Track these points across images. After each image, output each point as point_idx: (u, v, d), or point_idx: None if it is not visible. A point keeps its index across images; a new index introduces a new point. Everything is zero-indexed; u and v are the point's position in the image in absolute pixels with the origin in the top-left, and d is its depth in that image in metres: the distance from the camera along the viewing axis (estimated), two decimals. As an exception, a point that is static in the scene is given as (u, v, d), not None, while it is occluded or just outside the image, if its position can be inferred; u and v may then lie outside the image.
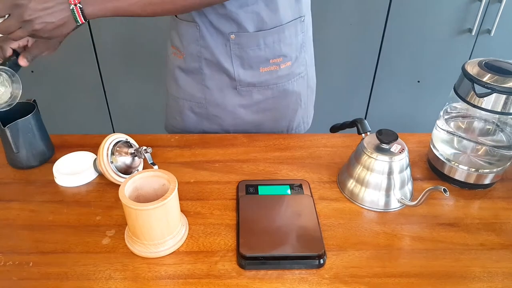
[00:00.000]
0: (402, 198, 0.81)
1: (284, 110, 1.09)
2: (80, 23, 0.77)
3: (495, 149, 0.86)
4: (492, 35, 1.78)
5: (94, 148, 0.91)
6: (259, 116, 1.07)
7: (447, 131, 0.89)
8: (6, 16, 0.72)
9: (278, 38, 0.98)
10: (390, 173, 0.81)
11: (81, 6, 0.75)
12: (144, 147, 0.85)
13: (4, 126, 0.86)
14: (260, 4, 0.92)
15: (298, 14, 1.00)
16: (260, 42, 0.97)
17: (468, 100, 0.81)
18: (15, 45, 0.88)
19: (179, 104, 1.09)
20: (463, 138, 0.87)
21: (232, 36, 0.95)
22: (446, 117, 0.90)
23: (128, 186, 0.71)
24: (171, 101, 1.12)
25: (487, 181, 0.87)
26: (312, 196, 0.84)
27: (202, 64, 1.00)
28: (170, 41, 1.06)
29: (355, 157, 0.85)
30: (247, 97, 1.04)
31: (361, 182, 0.83)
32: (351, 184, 0.85)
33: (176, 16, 1.00)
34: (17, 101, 0.84)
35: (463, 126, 0.90)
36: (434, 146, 0.91)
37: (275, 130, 1.11)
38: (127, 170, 0.86)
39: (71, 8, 0.74)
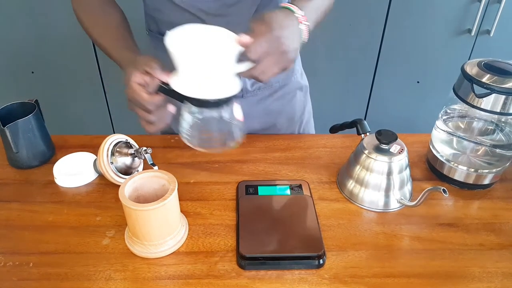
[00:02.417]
0: (401, 199, 0.82)
1: (293, 109, 1.09)
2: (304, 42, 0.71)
3: (495, 149, 0.86)
4: (491, 35, 1.78)
5: (94, 148, 0.91)
6: (270, 119, 1.07)
7: (447, 132, 0.89)
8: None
9: None
10: (389, 173, 0.81)
11: (308, 24, 0.69)
12: (144, 148, 0.85)
13: (4, 126, 0.86)
14: (265, 5, 0.90)
15: None
16: None
17: (467, 100, 0.81)
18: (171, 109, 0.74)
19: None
20: (463, 138, 0.87)
21: None
22: (445, 117, 0.90)
23: (128, 187, 0.72)
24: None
25: (486, 181, 0.87)
26: (311, 196, 0.84)
27: None
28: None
29: (355, 157, 0.85)
30: (253, 103, 1.03)
31: (360, 182, 0.83)
32: (350, 184, 0.85)
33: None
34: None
35: (462, 127, 0.90)
36: (433, 147, 0.91)
37: (289, 132, 1.10)
38: (127, 171, 0.86)
39: (300, 27, 0.69)
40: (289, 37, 0.66)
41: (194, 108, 0.66)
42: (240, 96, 1.01)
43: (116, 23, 0.87)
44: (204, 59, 0.62)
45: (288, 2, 0.74)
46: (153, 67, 0.67)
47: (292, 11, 0.69)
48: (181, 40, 0.64)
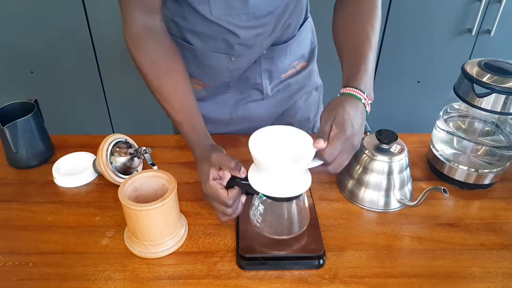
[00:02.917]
0: (401, 198, 0.81)
1: (308, 109, 1.08)
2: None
3: (495, 149, 0.86)
4: (492, 35, 1.78)
5: (93, 148, 0.91)
6: (287, 120, 1.06)
7: (447, 131, 0.89)
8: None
9: (298, 42, 0.98)
10: (389, 173, 0.81)
11: (370, 102, 0.75)
12: (144, 148, 0.85)
13: (4, 126, 0.86)
14: (293, 17, 0.91)
15: (307, 13, 1.00)
16: (287, 50, 0.96)
17: (467, 100, 0.81)
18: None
19: None
20: (463, 138, 0.87)
21: (265, 51, 0.92)
22: (445, 117, 0.90)
23: (127, 187, 0.71)
24: None
25: (486, 181, 0.87)
26: (311, 196, 0.84)
27: (229, 87, 0.98)
28: None
29: (355, 157, 0.85)
30: (272, 105, 1.03)
31: (360, 182, 0.83)
32: (350, 184, 0.85)
33: (188, 45, 0.91)
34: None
35: (463, 126, 0.90)
36: (434, 146, 0.91)
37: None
38: (126, 171, 0.86)
39: (366, 110, 0.74)
40: (360, 131, 0.71)
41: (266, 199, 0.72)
42: (260, 99, 1.02)
43: (186, 91, 0.83)
44: (283, 164, 0.67)
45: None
46: (228, 166, 0.70)
47: (359, 99, 0.72)
48: (262, 143, 0.69)
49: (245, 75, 0.96)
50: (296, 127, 0.84)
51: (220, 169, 0.71)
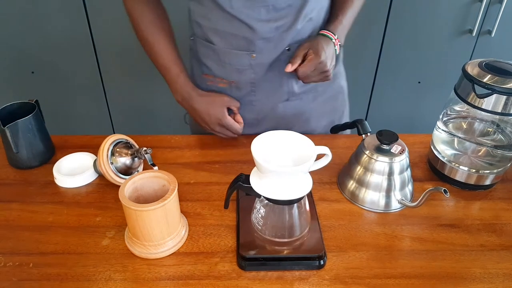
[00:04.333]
0: (402, 199, 0.81)
1: (333, 113, 1.08)
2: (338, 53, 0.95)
3: (496, 150, 0.85)
4: (492, 36, 1.78)
5: (94, 149, 0.91)
6: (312, 122, 1.06)
7: (448, 132, 0.89)
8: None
9: None
10: (390, 174, 0.80)
11: (340, 43, 0.95)
12: (144, 148, 0.85)
13: (4, 126, 0.86)
14: (314, 12, 0.92)
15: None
16: None
17: (468, 101, 0.81)
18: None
19: None
20: (464, 139, 0.87)
21: (288, 48, 0.93)
22: (446, 118, 0.90)
23: (128, 187, 0.71)
24: None
25: (487, 182, 0.87)
26: (312, 197, 0.84)
27: (255, 86, 0.99)
28: (199, 69, 1.02)
29: (356, 158, 0.85)
30: (298, 106, 1.03)
31: (361, 183, 0.83)
32: (351, 185, 0.85)
33: (211, 44, 0.96)
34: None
35: (463, 127, 0.90)
36: (434, 147, 0.91)
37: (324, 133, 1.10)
38: (127, 171, 0.86)
39: (335, 48, 0.93)
40: (330, 61, 0.90)
41: (268, 202, 0.73)
42: (285, 100, 1.02)
43: (175, 46, 0.97)
44: (284, 167, 0.69)
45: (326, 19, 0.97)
46: (237, 106, 0.98)
47: (330, 38, 0.92)
48: (264, 147, 0.70)
49: (270, 74, 0.97)
50: (321, 132, 0.97)
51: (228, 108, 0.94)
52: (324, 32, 0.93)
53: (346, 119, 1.15)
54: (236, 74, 0.97)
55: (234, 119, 0.98)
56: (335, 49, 0.93)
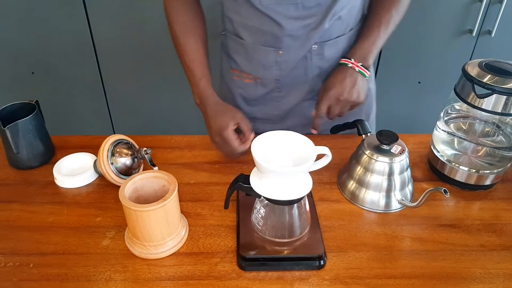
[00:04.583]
0: (402, 199, 0.81)
1: (359, 112, 1.07)
2: (368, 76, 0.94)
3: (496, 150, 0.85)
4: (492, 36, 1.77)
5: (94, 149, 0.91)
6: (336, 123, 1.05)
7: (448, 132, 0.89)
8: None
9: (350, 41, 0.97)
10: (390, 174, 0.80)
11: (361, 64, 0.93)
12: (144, 148, 0.85)
13: (5, 127, 0.86)
14: (344, 11, 0.91)
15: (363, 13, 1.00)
16: (338, 47, 0.96)
17: (468, 101, 0.81)
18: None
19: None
20: (464, 139, 0.87)
21: (315, 46, 0.94)
22: (446, 118, 0.90)
23: (128, 187, 0.71)
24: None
25: (487, 182, 0.87)
26: (312, 197, 0.84)
27: (280, 83, 0.99)
28: (228, 64, 1.04)
29: (356, 158, 0.85)
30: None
31: (361, 183, 0.83)
32: (351, 185, 0.85)
33: (240, 39, 0.98)
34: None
35: (463, 127, 0.90)
36: (434, 147, 0.91)
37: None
38: (127, 171, 0.86)
39: (357, 70, 0.93)
40: (349, 87, 0.90)
41: (268, 202, 0.73)
42: (310, 98, 1.02)
43: (205, 51, 0.97)
44: (284, 168, 0.69)
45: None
46: (247, 129, 0.90)
47: (345, 65, 0.93)
48: (264, 147, 0.70)
49: (296, 71, 0.97)
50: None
51: (236, 124, 0.89)
52: (341, 60, 0.94)
53: (372, 122, 1.15)
54: (262, 70, 0.98)
55: (241, 139, 0.91)
56: (360, 71, 0.92)
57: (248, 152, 0.68)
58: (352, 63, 0.92)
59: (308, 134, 0.98)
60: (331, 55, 0.96)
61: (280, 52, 0.94)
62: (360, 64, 0.93)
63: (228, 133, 0.87)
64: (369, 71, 0.95)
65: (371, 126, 1.15)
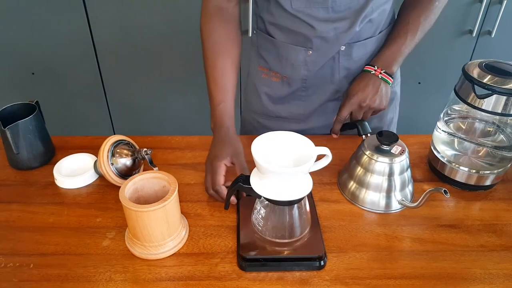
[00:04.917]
0: (402, 200, 0.81)
1: (383, 115, 1.08)
2: (391, 83, 0.96)
3: (496, 150, 0.85)
4: (492, 36, 1.78)
5: (94, 150, 0.91)
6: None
7: (448, 133, 0.89)
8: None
9: (378, 43, 0.97)
10: (390, 174, 0.80)
11: (385, 71, 0.94)
12: (145, 149, 0.85)
13: (5, 127, 0.86)
14: (374, 14, 0.91)
15: (394, 17, 1.00)
16: (367, 49, 0.96)
17: (468, 101, 0.81)
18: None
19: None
20: (464, 139, 0.87)
21: (343, 47, 0.94)
22: (446, 118, 0.90)
23: (128, 188, 0.71)
24: (253, 115, 1.11)
25: (488, 182, 0.87)
26: (312, 197, 0.84)
27: (306, 83, 0.99)
28: (256, 61, 1.04)
29: (356, 158, 0.85)
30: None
31: (361, 183, 0.83)
32: (351, 185, 0.85)
33: (271, 38, 0.98)
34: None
35: (463, 128, 0.90)
36: (434, 148, 0.91)
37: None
38: (127, 172, 0.86)
39: (380, 77, 0.94)
40: (370, 93, 0.93)
41: (268, 202, 0.73)
42: (335, 99, 1.02)
43: (232, 77, 0.94)
44: (284, 168, 0.69)
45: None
46: (238, 169, 0.82)
47: (369, 71, 0.95)
48: (264, 148, 0.70)
49: (322, 71, 0.97)
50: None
51: (231, 163, 0.83)
52: (365, 67, 0.96)
53: (393, 127, 1.15)
54: (290, 69, 0.99)
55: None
56: (382, 78, 0.94)
57: (248, 152, 0.68)
58: (375, 70, 0.94)
59: (330, 135, 1.01)
60: (359, 56, 0.96)
61: (310, 52, 0.94)
62: (384, 71, 0.94)
63: (219, 164, 0.82)
64: (393, 78, 0.96)
65: (393, 129, 1.16)
